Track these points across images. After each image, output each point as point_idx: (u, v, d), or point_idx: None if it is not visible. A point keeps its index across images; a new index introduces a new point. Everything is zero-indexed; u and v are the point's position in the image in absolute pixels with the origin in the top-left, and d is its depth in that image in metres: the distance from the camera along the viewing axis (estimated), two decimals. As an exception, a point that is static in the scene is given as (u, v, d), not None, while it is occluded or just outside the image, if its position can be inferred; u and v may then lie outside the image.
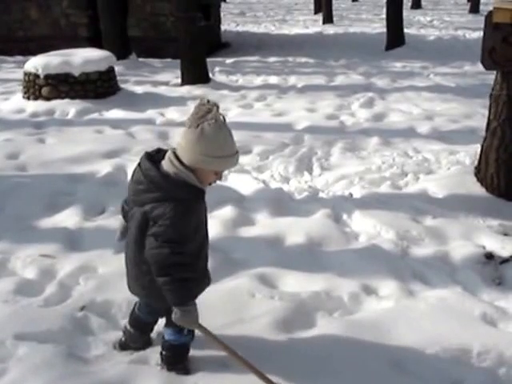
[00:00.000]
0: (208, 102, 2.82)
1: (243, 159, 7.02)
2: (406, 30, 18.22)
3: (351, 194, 5.92)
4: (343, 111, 9.48)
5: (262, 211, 5.51)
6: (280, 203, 5.70)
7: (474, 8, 30.15)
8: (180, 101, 10.29)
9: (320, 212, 5.46)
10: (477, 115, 8.87)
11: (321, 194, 5.96)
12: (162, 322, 3.45)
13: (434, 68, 13.91)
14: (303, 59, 15.32)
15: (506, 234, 5.18)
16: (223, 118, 2.84)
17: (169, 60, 14.78)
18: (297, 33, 21.75)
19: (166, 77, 12.81)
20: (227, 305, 4.00)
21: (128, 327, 3.56)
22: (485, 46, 5.51)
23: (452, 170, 6.52)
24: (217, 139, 2.79)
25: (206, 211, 3.18)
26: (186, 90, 11.31)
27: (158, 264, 2.88)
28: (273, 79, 12.57)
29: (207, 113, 2.78)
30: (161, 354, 3.41)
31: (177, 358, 3.38)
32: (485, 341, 3.66)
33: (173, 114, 9.37)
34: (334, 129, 8.36)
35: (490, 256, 4.77)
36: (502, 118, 5.71)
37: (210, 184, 3.01)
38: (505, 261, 4.72)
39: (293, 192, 6.04)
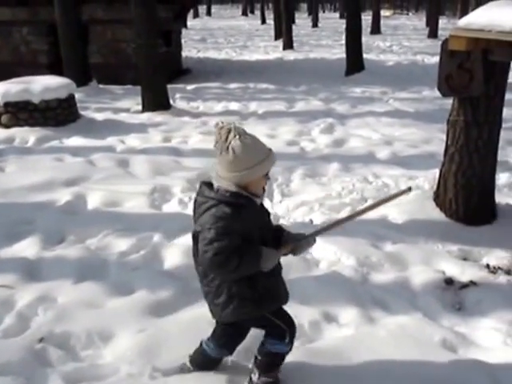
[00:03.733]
0: (222, 123, 3.01)
1: (204, 187, 7.01)
2: (365, 56, 18.50)
3: (312, 221, 5.94)
4: (303, 137, 9.55)
5: (222, 239, 5.48)
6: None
7: (433, 33, 30.82)
8: (140, 128, 10.26)
9: (281, 239, 5.45)
10: (435, 140, 8.99)
11: (281, 221, 5.95)
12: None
13: (394, 93, 14.13)
14: (264, 85, 15.45)
15: (465, 259, 5.24)
16: (242, 129, 3.00)
17: (129, 86, 14.74)
18: (257, 59, 21.93)
19: (127, 103, 12.78)
20: (187, 335, 3.96)
21: (188, 365, 3.60)
22: (441, 73, 5.61)
23: (411, 195, 6.56)
24: (249, 150, 2.94)
25: (263, 216, 3.24)
26: (147, 116, 11.29)
27: (209, 267, 3.02)
28: (233, 105, 12.65)
29: (228, 133, 2.94)
30: (255, 359, 3.46)
31: (272, 366, 3.45)
32: (445, 367, 3.67)
33: (133, 141, 9.33)
34: (294, 155, 8.40)
35: (449, 281, 4.82)
36: (460, 144, 5.79)
37: (263, 188, 3.13)
38: (464, 286, 4.77)
39: (254, 219, 6.03)
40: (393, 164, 7.99)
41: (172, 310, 4.34)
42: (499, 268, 5.06)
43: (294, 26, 32.97)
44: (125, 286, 4.69)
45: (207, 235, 2.94)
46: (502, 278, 4.87)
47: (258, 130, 10.02)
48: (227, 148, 2.92)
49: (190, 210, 6.16)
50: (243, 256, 2.98)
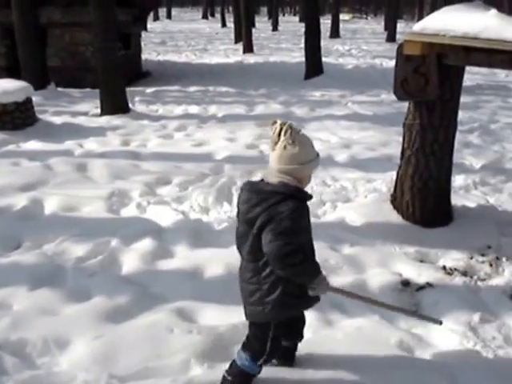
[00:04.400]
0: (276, 121, 3.16)
1: (162, 190, 6.98)
2: (324, 59, 18.60)
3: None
4: (263, 140, 9.54)
5: (181, 243, 5.48)
6: (199, 234, 5.68)
7: (391, 37, 31.18)
8: (99, 131, 10.16)
9: (240, 243, 5.44)
10: (393, 143, 9.08)
11: (241, 225, 5.96)
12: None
13: (352, 96, 14.24)
14: (224, 88, 15.43)
15: (422, 261, 5.30)
16: (298, 129, 3.17)
17: (88, 90, 14.58)
18: (217, 62, 21.90)
19: (85, 107, 12.64)
20: (144, 341, 3.94)
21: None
22: (397, 77, 5.67)
23: (369, 197, 6.65)
24: (304, 147, 3.14)
25: (309, 221, 3.38)
26: (106, 120, 11.19)
27: (275, 255, 3.09)
28: (193, 109, 12.60)
29: (286, 130, 3.11)
30: (225, 375, 3.49)
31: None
32: (401, 368, 3.71)
33: (92, 144, 9.23)
34: (253, 158, 8.41)
35: (406, 283, 4.87)
36: (416, 147, 5.87)
37: (306, 184, 3.30)
38: (421, 287, 4.82)
39: (212, 223, 6.03)
40: (351, 167, 8.05)
41: (129, 315, 4.29)
42: (455, 269, 5.14)
43: (254, 30, 33.04)
44: (82, 292, 4.63)
45: (279, 227, 3.06)
46: (458, 280, 4.94)
47: (217, 133, 10.06)
48: (293, 141, 3.10)
49: (148, 215, 6.17)
50: (307, 258, 3.20)
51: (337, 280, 4.87)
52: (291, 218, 3.06)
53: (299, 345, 3.75)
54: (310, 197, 3.28)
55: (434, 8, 5.48)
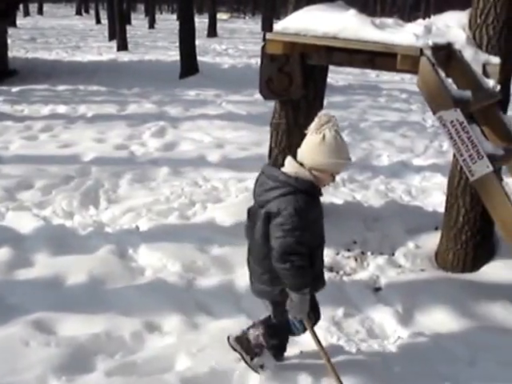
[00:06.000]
0: (326, 113, 3.26)
1: (23, 195, 6.64)
2: (201, 58, 18.52)
3: (138, 227, 5.80)
4: (133, 141, 9.36)
5: (41, 251, 5.22)
6: (62, 241, 5.43)
7: (268, 37, 31.45)
8: (-42, 132, 9.58)
9: (105, 248, 5.28)
10: (266, 142, 8.94)
11: (107, 229, 5.78)
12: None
13: (227, 96, 14.23)
14: (95, 87, 14.99)
15: (289, 259, 5.32)
16: (339, 128, 3.22)
17: None
18: (90, 60, 21.28)
19: None
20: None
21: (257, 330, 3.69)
22: (262, 76, 5.68)
23: (240, 197, 6.64)
24: (335, 144, 3.18)
25: (322, 211, 3.43)
26: (-35, 120, 10.57)
27: (281, 250, 3.15)
28: (61, 109, 12.12)
29: (327, 122, 3.19)
30: (269, 317, 3.68)
31: (275, 334, 3.66)
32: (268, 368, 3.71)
33: (-51, 145, 8.69)
34: (123, 159, 8.21)
35: (272, 282, 4.87)
36: (283, 146, 5.90)
37: (324, 185, 3.33)
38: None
39: (77, 228, 5.79)
40: (223, 167, 8.02)
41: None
42: (321, 266, 5.19)
43: (129, 27, 32.52)
44: None
45: (289, 223, 3.12)
46: (324, 275, 4.98)
47: (85, 134, 9.74)
48: (319, 131, 3.17)
49: (6, 222, 5.86)
50: (305, 267, 3.20)
51: (204, 282, 4.84)
52: (301, 215, 3.13)
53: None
54: (321, 194, 3.33)
55: (298, 7, 5.50)
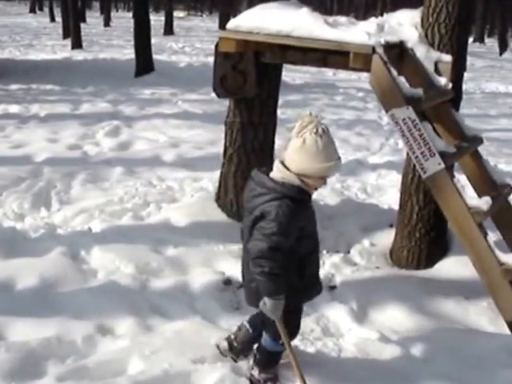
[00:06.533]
0: (310, 114, 3.18)
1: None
2: (157, 57, 18.38)
3: (90, 229, 5.70)
4: (87, 141, 9.20)
5: (-10, 254, 5.08)
6: (12, 244, 5.29)
7: (223, 35, 31.36)
8: None
9: (56, 250, 5.14)
10: (221, 141, 8.93)
11: (59, 231, 5.66)
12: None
13: (183, 95, 14.14)
14: (48, 86, 14.70)
15: (245, 259, 5.30)
16: (325, 127, 3.12)
17: None
18: (44, 58, 20.90)
19: None
20: None
21: (247, 326, 3.75)
22: (216, 74, 5.63)
23: (195, 197, 6.58)
24: (316, 148, 3.06)
25: (314, 216, 3.40)
26: None
27: (254, 254, 3.11)
28: (13, 108, 11.79)
29: (309, 123, 3.09)
30: (254, 357, 3.64)
31: (269, 363, 3.60)
32: (222, 369, 3.66)
33: None
34: (76, 160, 8.06)
35: (228, 281, 4.84)
36: (237, 145, 5.87)
37: (316, 189, 3.27)
38: (242, 285, 4.79)
39: (28, 230, 5.65)
40: (178, 166, 7.95)
41: None
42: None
43: (84, 25, 32.09)
44: None
45: (268, 227, 3.07)
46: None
47: (38, 134, 9.53)
48: (300, 135, 3.07)
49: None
50: (280, 274, 3.11)
51: (158, 283, 4.77)
52: (278, 222, 3.05)
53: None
54: (310, 199, 3.29)
55: (252, 5, 5.48)
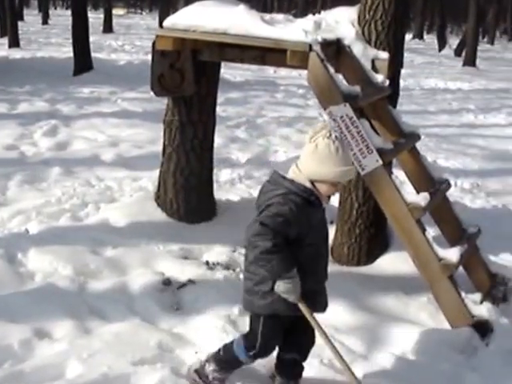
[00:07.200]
0: (324, 122, 2.95)
1: None
2: (96, 55, 18.10)
3: (27, 231, 5.56)
4: (24, 141, 8.98)
5: None
6: None
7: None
8: None
9: (-8, 253, 5.02)
10: (161, 140, 8.94)
11: (-6, 233, 5.52)
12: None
13: (123, 93, 13.95)
14: (-17, 86, 14.31)
15: (186, 258, 5.28)
16: (338, 136, 3.12)
17: None
18: (-21, 58, 20.38)
19: None
20: None
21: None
22: (154, 73, 5.56)
23: (134, 196, 6.49)
24: (328, 152, 3.06)
25: (322, 227, 3.33)
26: None
27: (249, 233, 3.06)
28: None
29: (322, 129, 3.10)
30: (216, 352, 3.52)
31: (228, 366, 3.51)
32: (162, 370, 3.64)
33: None
34: (12, 160, 7.86)
35: (167, 282, 4.80)
36: (176, 144, 5.82)
37: (328, 197, 3.23)
38: (183, 285, 4.77)
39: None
40: (118, 166, 7.85)
41: None
42: (218, 264, 5.17)
43: (22, 23, 31.46)
44: None
45: (264, 210, 3.06)
46: (220, 274, 4.97)
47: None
48: (313, 140, 3.08)
49: None
50: (283, 258, 3.03)
51: (96, 285, 4.70)
52: (281, 208, 3.03)
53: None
54: (320, 204, 3.20)
55: (189, 2, 5.45)
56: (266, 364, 3.66)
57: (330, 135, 3.07)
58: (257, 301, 3.25)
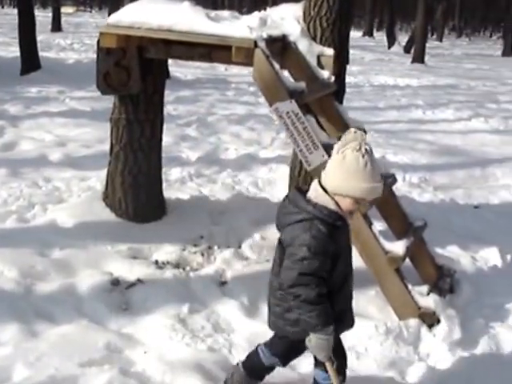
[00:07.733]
0: (355, 132, 2.87)
1: None
2: (44, 54, 17.78)
3: (-28, 233, 5.44)
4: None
5: None
6: None
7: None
8: None
9: None
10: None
11: None
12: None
13: (71, 92, 13.73)
14: None
15: (135, 258, 5.22)
16: (369, 147, 2.86)
17: None
18: None
19: None
20: None
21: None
22: (99, 71, 5.48)
23: (82, 196, 6.40)
24: (357, 165, 2.82)
25: (349, 242, 3.17)
26: None
27: (286, 284, 2.92)
28: None
29: (352, 140, 2.84)
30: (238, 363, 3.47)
31: (256, 374, 3.42)
32: (110, 371, 3.61)
33: None
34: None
35: (116, 282, 4.75)
36: (124, 142, 5.74)
37: (351, 214, 2.99)
38: (131, 285, 4.73)
39: None
40: (65, 166, 7.71)
41: None
42: (168, 263, 5.14)
43: (-34, 23, 30.71)
44: None
45: (298, 252, 2.87)
46: (169, 273, 4.93)
47: None
48: (341, 151, 2.85)
49: None
50: (324, 312, 2.89)
51: (44, 287, 4.61)
52: (308, 246, 2.85)
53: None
54: (345, 223, 3.01)
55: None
56: None
57: (360, 148, 2.83)
58: (288, 327, 3.15)
